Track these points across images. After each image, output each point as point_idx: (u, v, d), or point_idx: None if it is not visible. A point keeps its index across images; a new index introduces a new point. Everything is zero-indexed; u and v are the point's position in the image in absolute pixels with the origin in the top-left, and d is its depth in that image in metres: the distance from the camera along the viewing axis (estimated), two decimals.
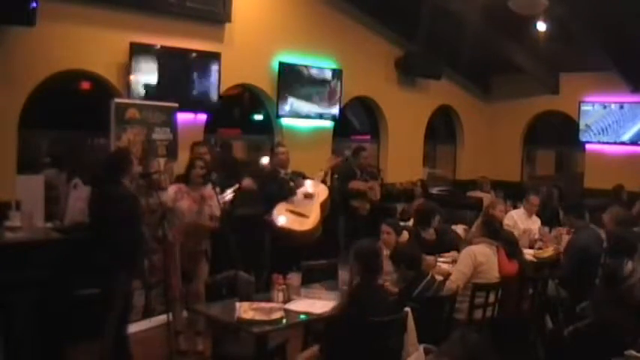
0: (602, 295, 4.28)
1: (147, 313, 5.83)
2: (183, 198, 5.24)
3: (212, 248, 5.44)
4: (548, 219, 7.16)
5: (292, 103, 8.01)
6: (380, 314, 3.64)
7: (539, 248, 6.33)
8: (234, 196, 5.61)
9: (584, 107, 10.04)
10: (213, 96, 7.10)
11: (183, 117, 6.74)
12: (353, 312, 3.64)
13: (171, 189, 5.36)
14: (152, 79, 6.50)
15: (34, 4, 5.27)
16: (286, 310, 3.94)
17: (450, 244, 5.69)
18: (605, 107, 9.90)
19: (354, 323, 3.57)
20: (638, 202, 7.58)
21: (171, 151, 6.25)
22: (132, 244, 4.60)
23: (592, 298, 4.52)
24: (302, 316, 3.99)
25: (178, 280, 5.27)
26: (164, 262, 5.34)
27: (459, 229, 6.51)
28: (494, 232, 5.02)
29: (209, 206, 5.24)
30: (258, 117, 8.56)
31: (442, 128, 11.33)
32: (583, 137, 10.12)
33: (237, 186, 5.89)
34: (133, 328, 5.27)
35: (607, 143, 9.94)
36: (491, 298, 4.61)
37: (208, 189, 5.35)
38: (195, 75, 6.90)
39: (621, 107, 9.78)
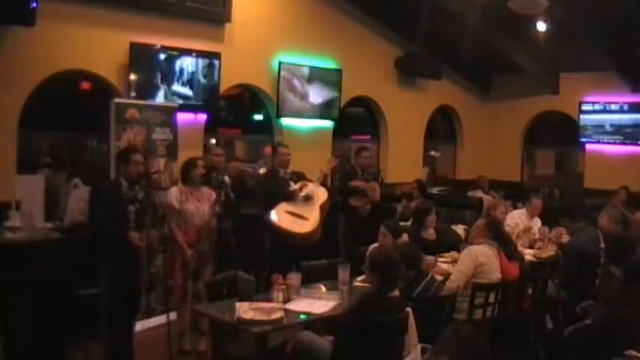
0: (620, 292, 4.15)
1: (147, 313, 5.83)
2: (188, 200, 5.24)
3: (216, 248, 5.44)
4: (549, 219, 7.15)
5: (292, 103, 8.02)
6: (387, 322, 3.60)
7: (539, 248, 6.33)
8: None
9: (584, 107, 10.04)
10: (213, 96, 7.10)
11: (183, 117, 6.74)
12: (361, 318, 3.58)
13: (174, 190, 5.34)
14: (152, 78, 6.49)
15: (34, 4, 5.27)
16: (286, 310, 3.94)
17: (450, 244, 5.70)
18: (605, 107, 9.90)
19: (361, 328, 3.54)
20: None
21: (171, 151, 6.25)
22: (118, 242, 4.59)
23: (603, 296, 4.42)
24: (302, 316, 3.98)
25: (184, 280, 5.26)
26: (164, 262, 5.35)
27: (459, 229, 6.51)
28: (498, 234, 5.02)
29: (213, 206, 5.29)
30: (258, 117, 8.56)
31: (442, 128, 11.32)
32: (583, 137, 10.13)
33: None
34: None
35: (607, 143, 9.94)
36: (491, 298, 4.60)
37: (207, 188, 5.36)
38: (195, 75, 6.90)
39: (621, 107, 9.78)
